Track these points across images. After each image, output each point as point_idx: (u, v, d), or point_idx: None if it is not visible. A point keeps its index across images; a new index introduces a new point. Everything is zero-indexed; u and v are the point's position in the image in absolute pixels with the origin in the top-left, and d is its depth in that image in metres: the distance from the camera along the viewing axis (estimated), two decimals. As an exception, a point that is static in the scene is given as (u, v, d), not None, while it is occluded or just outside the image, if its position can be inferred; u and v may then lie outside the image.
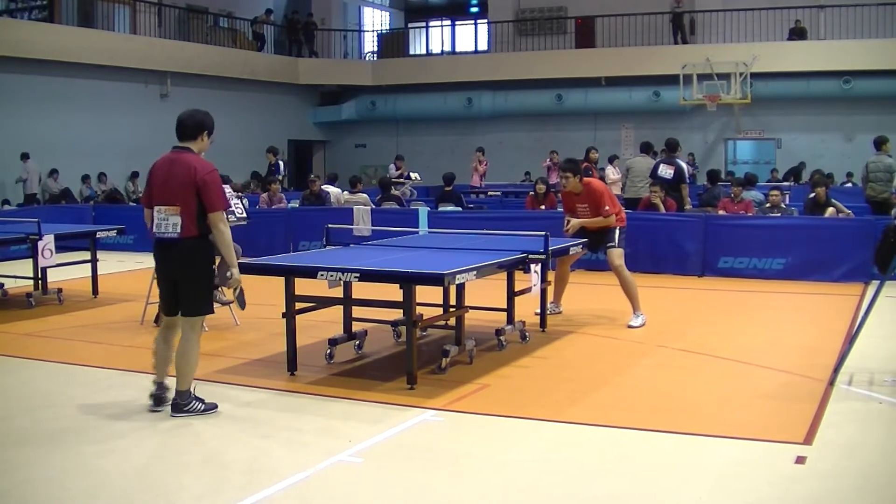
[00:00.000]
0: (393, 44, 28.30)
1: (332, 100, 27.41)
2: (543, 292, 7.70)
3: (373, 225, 11.52)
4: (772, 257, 11.04)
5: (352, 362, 6.89)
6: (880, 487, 4.35)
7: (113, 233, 10.31)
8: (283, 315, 6.41)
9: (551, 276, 8.23)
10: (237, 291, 6.11)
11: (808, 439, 4.94)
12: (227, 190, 7.05)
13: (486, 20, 27.40)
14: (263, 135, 22.23)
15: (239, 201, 8.75)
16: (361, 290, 6.57)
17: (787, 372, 6.48)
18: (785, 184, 17.93)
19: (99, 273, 10.07)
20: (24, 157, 18.12)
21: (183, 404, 5.43)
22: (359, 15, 30.11)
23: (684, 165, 13.40)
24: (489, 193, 19.36)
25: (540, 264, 6.96)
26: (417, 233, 10.20)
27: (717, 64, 20.81)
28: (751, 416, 5.49)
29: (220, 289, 8.07)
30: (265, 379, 6.37)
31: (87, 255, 10.04)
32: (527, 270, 6.91)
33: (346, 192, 14.71)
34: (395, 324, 7.30)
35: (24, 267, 10.03)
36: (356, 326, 7.13)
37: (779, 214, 11.72)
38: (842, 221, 11.30)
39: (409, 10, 31.21)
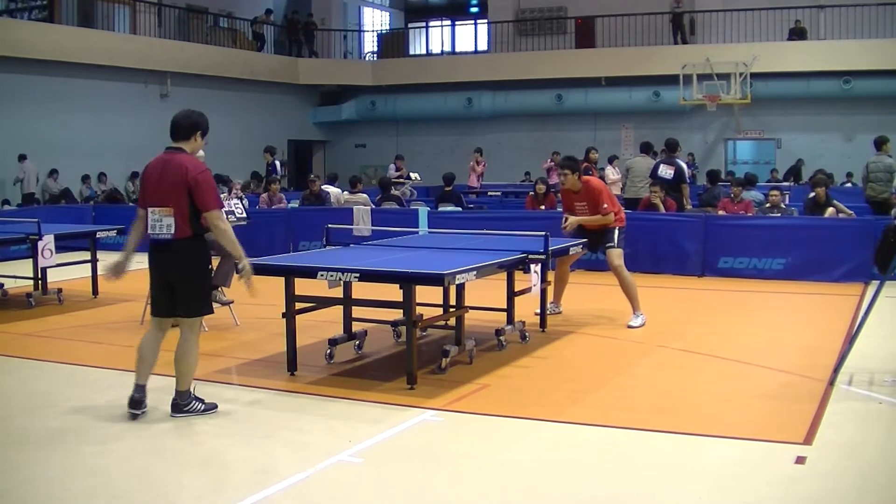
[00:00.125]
0: (393, 44, 28.29)
1: (331, 100, 27.40)
2: (543, 292, 7.70)
3: (373, 225, 11.51)
4: (772, 257, 11.04)
5: (352, 362, 6.89)
6: (880, 487, 4.36)
7: (113, 233, 10.29)
8: (283, 315, 6.41)
9: (551, 276, 8.23)
10: (250, 283, 5.97)
11: (807, 439, 4.94)
12: (224, 194, 7.01)
13: (486, 20, 27.39)
14: (263, 135, 22.18)
15: (239, 201, 8.77)
16: (361, 290, 6.57)
17: (787, 372, 6.48)
18: (785, 184, 17.95)
19: (99, 273, 10.06)
20: (22, 158, 18.13)
21: (183, 404, 5.42)
22: (359, 15, 30.10)
23: (684, 165, 13.41)
24: (489, 193, 19.33)
25: (540, 264, 6.97)
26: (417, 233, 10.20)
27: (717, 64, 20.79)
28: (750, 416, 5.49)
29: (219, 289, 8.08)
30: (265, 379, 6.37)
31: (87, 255, 10.03)
32: (527, 270, 6.91)
33: (346, 193, 14.71)
34: (395, 324, 7.30)
35: (24, 267, 10.03)
36: (356, 326, 7.13)
37: (779, 214, 11.72)
38: (842, 221, 11.30)
39: (409, 10, 31.20)
